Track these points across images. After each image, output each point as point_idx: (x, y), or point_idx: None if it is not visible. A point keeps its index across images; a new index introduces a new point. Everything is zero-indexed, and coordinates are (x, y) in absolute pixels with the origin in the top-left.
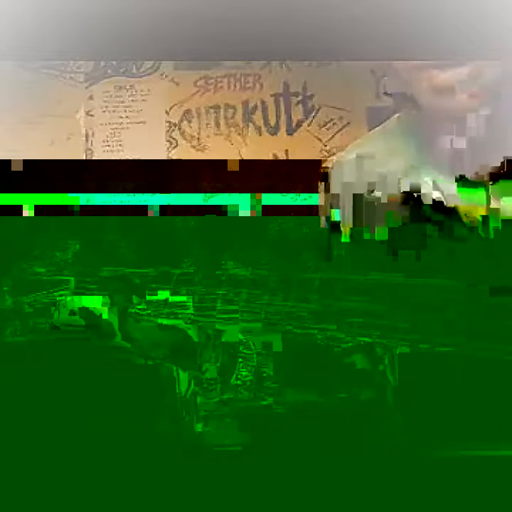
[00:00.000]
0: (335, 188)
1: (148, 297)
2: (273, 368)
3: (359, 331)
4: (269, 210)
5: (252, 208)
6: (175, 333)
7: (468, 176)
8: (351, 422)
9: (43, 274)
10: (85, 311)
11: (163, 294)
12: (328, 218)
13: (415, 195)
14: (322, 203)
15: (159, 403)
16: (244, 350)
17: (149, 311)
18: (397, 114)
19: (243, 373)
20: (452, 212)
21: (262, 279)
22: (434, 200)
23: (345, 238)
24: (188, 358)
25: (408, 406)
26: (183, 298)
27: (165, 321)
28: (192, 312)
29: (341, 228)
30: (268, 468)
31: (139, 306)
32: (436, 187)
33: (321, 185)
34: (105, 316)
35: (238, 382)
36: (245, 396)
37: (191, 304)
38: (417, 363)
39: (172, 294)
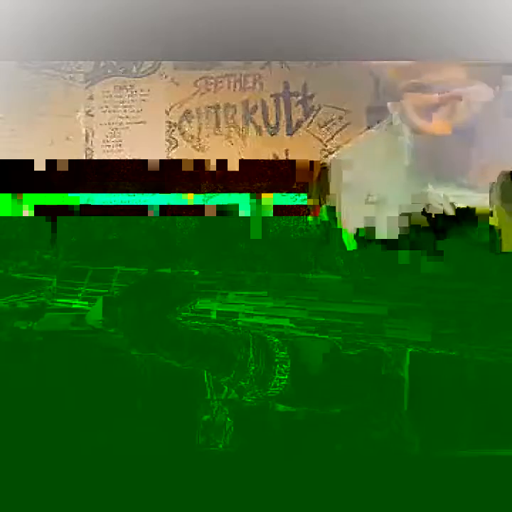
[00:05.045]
0: (332, 188)
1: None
2: (273, 369)
3: (362, 332)
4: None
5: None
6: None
7: (469, 180)
8: (352, 422)
9: (38, 275)
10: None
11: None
12: (327, 214)
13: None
14: (317, 200)
15: (158, 402)
16: (244, 353)
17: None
18: (387, 119)
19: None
20: (459, 217)
21: (261, 280)
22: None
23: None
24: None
25: (410, 407)
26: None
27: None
28: (190, 314)
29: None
30: (268, 469)
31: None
32: (439, 192)
33: (317, 184)
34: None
35: (240, 383)
36: (246, 397)
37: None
38: (418, 364)
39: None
